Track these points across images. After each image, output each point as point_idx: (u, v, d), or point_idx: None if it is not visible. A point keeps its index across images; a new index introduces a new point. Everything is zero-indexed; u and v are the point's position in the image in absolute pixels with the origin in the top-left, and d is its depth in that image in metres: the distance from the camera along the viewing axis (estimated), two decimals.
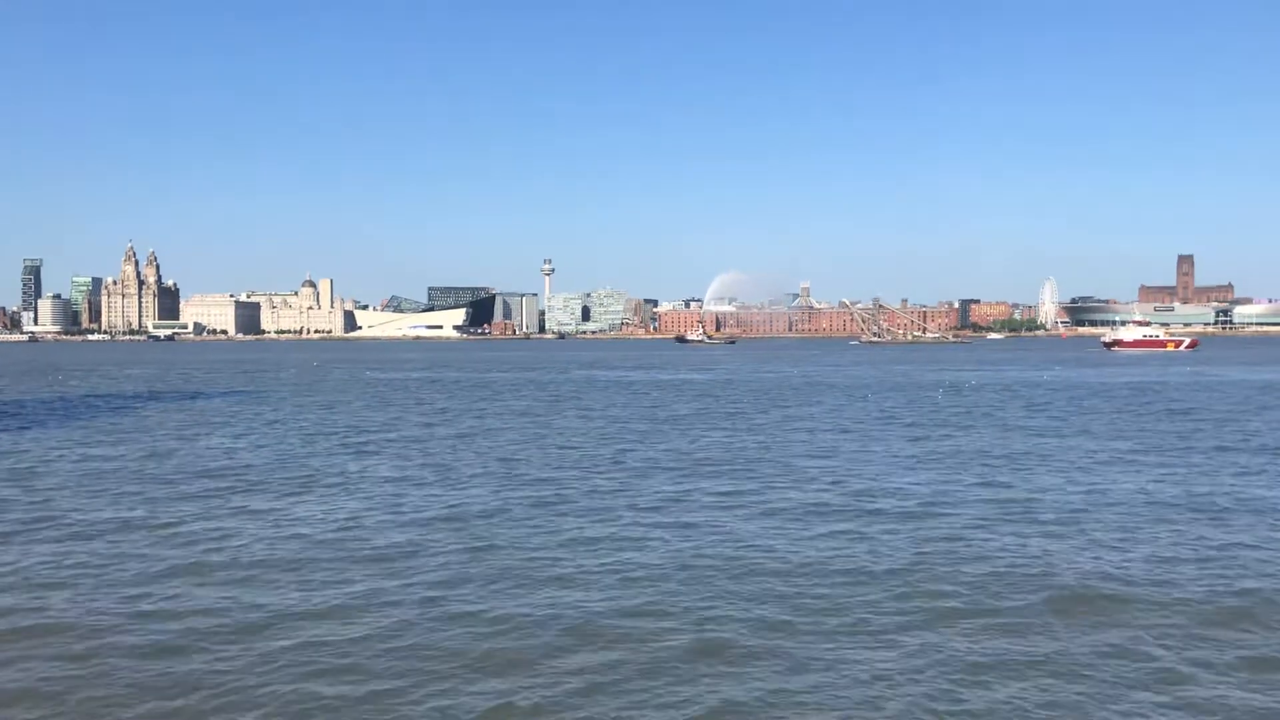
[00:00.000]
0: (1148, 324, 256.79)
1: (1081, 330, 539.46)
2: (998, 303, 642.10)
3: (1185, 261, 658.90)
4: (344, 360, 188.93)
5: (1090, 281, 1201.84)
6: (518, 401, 73.76)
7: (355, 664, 15.77)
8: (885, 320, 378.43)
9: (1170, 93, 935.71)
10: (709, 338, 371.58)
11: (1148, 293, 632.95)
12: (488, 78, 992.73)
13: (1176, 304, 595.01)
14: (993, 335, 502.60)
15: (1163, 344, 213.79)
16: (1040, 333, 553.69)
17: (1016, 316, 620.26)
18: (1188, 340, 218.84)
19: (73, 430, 52.71)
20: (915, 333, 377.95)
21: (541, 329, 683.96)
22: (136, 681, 15.09)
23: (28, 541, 24.39)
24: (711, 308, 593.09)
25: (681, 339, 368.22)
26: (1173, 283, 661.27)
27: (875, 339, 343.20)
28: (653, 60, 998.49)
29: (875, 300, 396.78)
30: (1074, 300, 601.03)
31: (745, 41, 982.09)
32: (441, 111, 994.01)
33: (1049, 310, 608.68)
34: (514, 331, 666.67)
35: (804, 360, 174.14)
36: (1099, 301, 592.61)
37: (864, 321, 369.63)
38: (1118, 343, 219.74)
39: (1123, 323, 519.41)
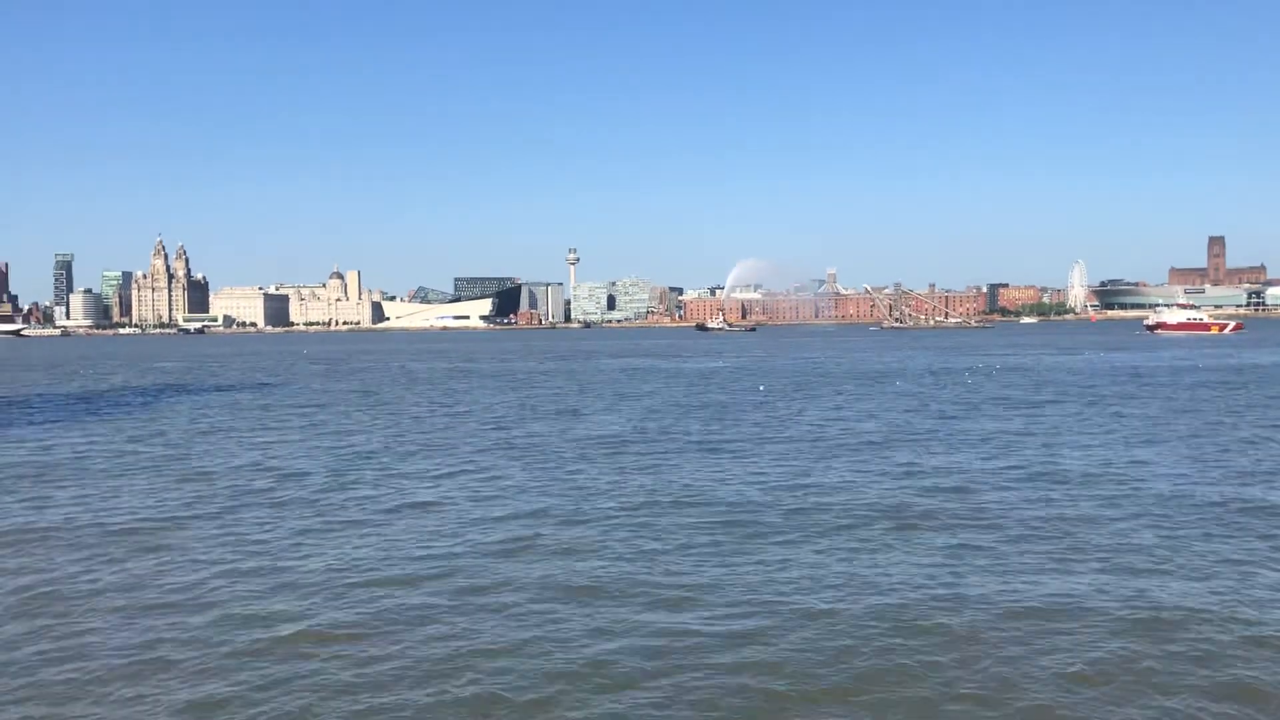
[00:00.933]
0: (1192, 306, 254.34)
1: (1111, 313, 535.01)
2: (1026, 287, 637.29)
3: (1216, 243, 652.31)
4: (376, 350, 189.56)
5: (1120, 264, 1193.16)
6: (553, 390, 73.92)
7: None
8: (908, 305, 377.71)
9: (1200, 72, 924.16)
10: (729, 325, 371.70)
11: (1178, 275, 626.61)
12: (513, 69, 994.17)
13: (1208, 286, 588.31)
14: (1025, 320, 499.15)
15: (1206, 327, 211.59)
16: (1069, 316, 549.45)
17: (1045, 300, 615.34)
18: (1232, 324, 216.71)
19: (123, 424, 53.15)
20: (937, 318, 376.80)
21: (567, 318, 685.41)
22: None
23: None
24: (738, 295, 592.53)
25: (702, 327, 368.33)
26: (1204, 265, 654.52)
27: (897, 324, 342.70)
28: (677, 50, 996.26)
29: (897, 285, 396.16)
30: (1103, 283, 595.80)
31: (769, 30, 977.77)
32: (468, 103, 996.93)
33: (1078, 294, 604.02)
34: (540, 321, 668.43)
35: (818, 346, 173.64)
36: (1129, 284, 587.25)
37: (886, 307, 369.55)
38: (1161, 325, 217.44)
39: (1154, 305, 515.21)
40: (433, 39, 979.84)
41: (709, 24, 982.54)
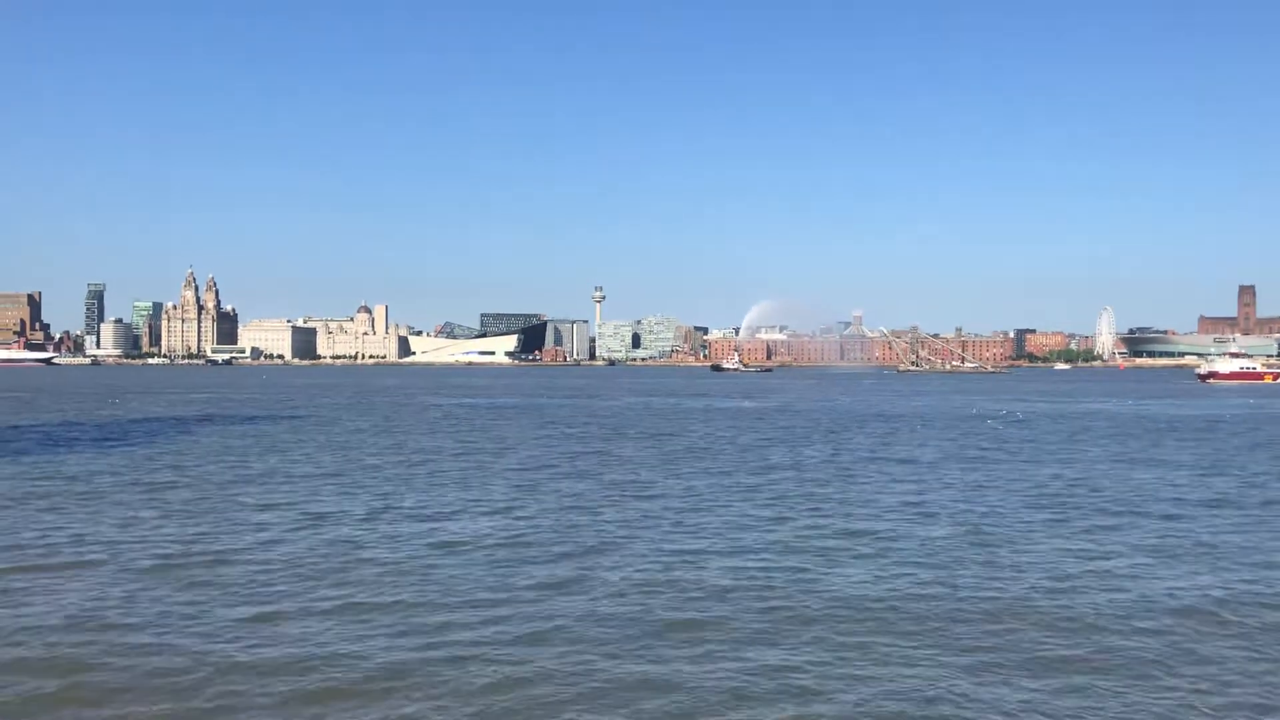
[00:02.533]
0: (1245, 355, 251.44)
1: (1140, 361, 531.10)
2: (1054, 333, 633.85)
3: (1246, 292, 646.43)
4: (409, 386, 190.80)
5: (1148, 312, 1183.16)
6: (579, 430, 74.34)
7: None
8: (924, 349, 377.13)
9: (1231, 119, 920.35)
10: (744, 366, 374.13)
11: (1208, 323, 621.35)
12: (541, 106, 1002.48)
13: (1237, 335, 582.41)
14: (1060, 366, 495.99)
15: (1260, 376, 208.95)
16: (1097, 363, 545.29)
17: (1073, 347, 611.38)
18: None
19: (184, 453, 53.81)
20: (954, 362, 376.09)
21: (592, 356, 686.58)
22: None
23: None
24: (763, 335, 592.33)
25: (717, 367, 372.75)
26: (1233, 313, 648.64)
27: (914, 368, 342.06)
28: (707, 91, 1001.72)
29: (913, 329, 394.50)
30: (1132, 330, 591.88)
31: (798, 71, 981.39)
32: (494, 141, 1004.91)
33: (1106, 340, 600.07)
34: (564, 358, 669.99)
35: (829, 389, 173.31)
36: (1157, 332, 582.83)
37: (903, 351, 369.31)
38: (1213, 375, 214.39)
39: (1182, 354, 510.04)
40: (463, 77, 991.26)
41: (738, 66, 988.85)
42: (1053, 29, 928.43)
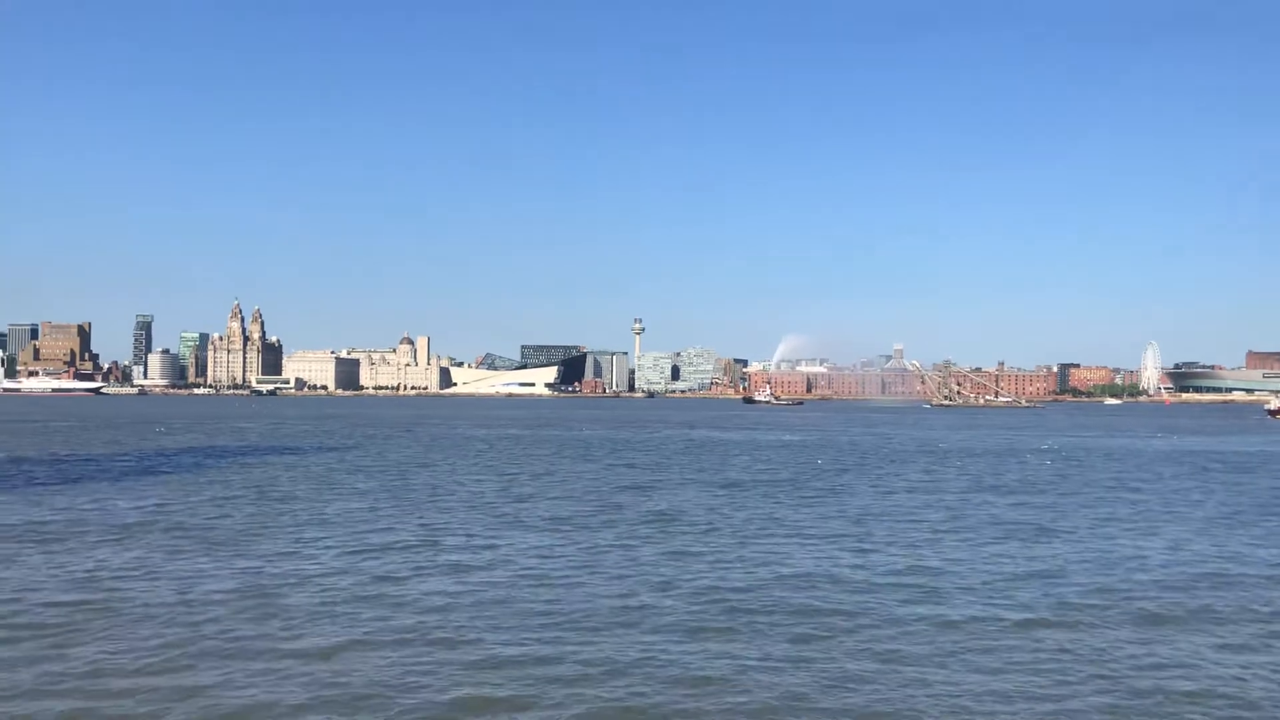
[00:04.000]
0: None
1: (1186, 396, 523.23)
2: (1098, 367, 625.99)
3: None
4: (446, 416, 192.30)
5: (1193, 346, 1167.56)
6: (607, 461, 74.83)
7: None
8: (957, 383, 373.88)
9: (1277, 146, 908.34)
10: (776, 399, 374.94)
11: (1256, 358, 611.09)
12: (582, 139, 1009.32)
13: None
14: (1110, 401, 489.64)
15: None
16: (1142, 398, 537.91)
17: (1118, 381, 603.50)
18: None
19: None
20: (988, 396, 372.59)
21: (631, 387, 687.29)
22: None
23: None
24: (803, 369, 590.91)
25: (749, 400, 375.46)
26: None
27: (947, 402, 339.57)
28: (751, 122, 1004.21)
29: (946, 362, 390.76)
30: (1177, 365, 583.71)
31: (841, 100, 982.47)
32: (534, 173, 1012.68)
33: (1151, 375, 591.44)
34: (604, 390, 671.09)
35: (870, 422, 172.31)
36: (1204, 367, 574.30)
37: (935, 385, 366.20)
38: None
39: (1229, 389, 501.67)
40: (503, 108, 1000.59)
41: (776, 94, 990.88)
42: (1101, 59, 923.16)
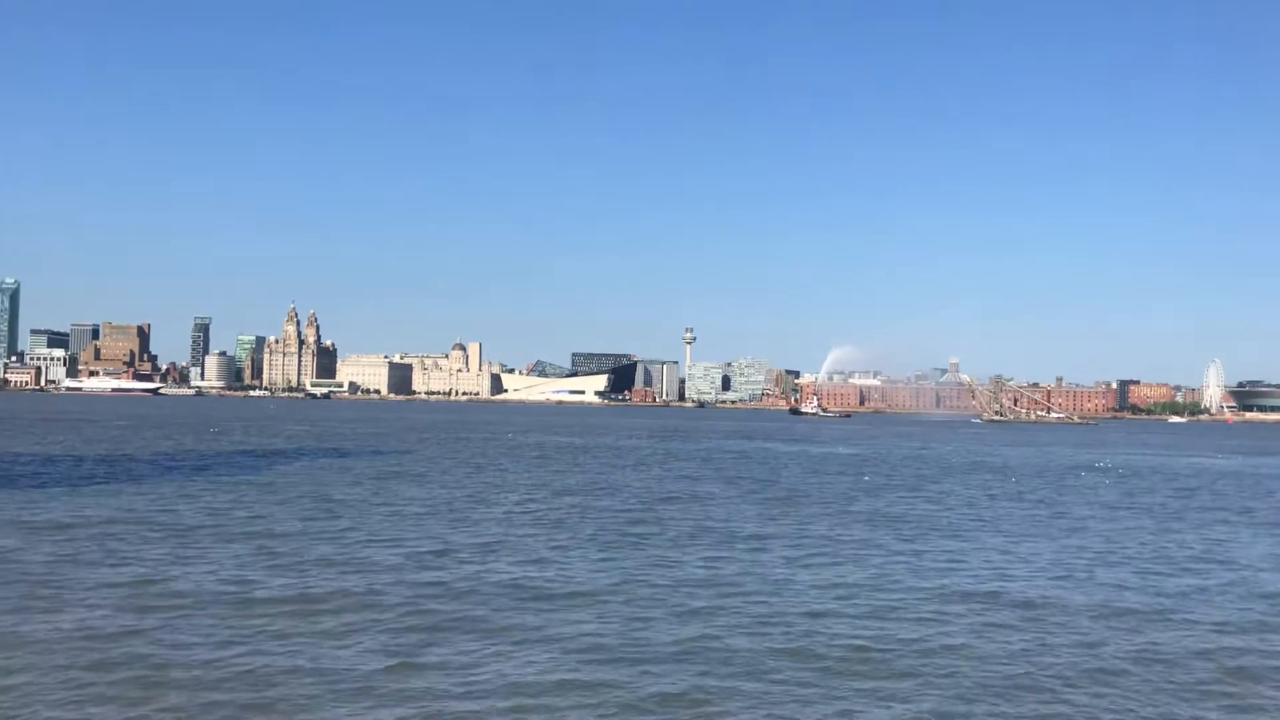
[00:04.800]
0: None
1: (1249, 416, 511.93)
2: (1158, 384, 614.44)
3: None
4: (507, 423, 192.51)
5: (1256, 364, 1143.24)
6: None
7: None
8: (1008, 397, 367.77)
9: None
10: (823, 410, 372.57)
11: None
12: (635, 152, 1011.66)
13: None
14: (1174, 419, 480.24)
15: None
16: (1204, 417, 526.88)
17: (1179, 399, 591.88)
18: None
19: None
20: (1039, 412, 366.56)
21: (681, 397, 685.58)
22: None
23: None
24: (856, 381, 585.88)
25: (796, 411, 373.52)
26: None
27: (998, 417, 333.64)
28: (801, 133, 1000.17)
29: (997, 377, 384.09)
30: (1241, 384, 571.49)
31: (895, 111, 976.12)
32: (588, 184, 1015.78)
33: (1214, 394, 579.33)
34: (654, 399, 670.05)
35: (918, 435, 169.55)
36: (1270, 386, 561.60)
37: (986, 399, 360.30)
38: None
39: None
40: (556, 121, 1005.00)
41: (828, 106, 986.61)
42: (1164, 82, 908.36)
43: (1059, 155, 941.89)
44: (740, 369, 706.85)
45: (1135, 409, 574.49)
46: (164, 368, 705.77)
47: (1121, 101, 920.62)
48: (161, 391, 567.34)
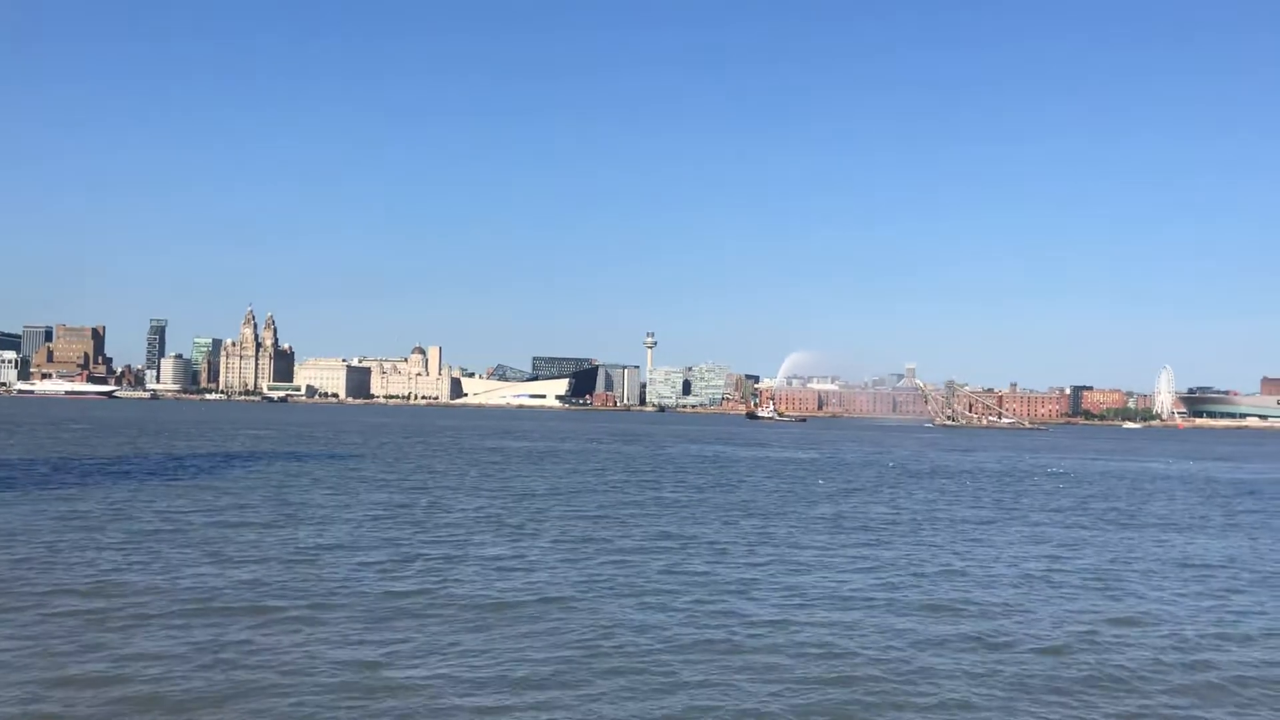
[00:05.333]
0: None
1: (1199, 421, 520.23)
2: (1111, 390, 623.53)
3: None
4: (466, 428, 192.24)
5: (1207, 371, 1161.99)
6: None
7: None
8: (960, 402, 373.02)
9: None
10: (780, 415, 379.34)
11: (1271, 384, 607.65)
12: (595, 153, 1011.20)
13: None
14: (1129, 425, 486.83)
15: None
16: (1155, 423, 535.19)
17: (1131, 405, 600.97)
18: None
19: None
20: (991, 417, 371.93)
21: (642, 401, 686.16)
22: None
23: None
24: (814, 386, 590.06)
25: (753, 415, 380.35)
26: None
27: (950, 422, 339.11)
28: (760, 140, 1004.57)
29: (949, 383, 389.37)
30: (1191, 390, 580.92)
31: (851, 119, 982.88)
32: (550, 185, 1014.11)
33: (1165, 400, 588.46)
34: (615, 403, 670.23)
35: (851, 440, 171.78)
36: (1218, 393, 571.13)
37: (938, 404, 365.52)
38: None
39: (1243, 415, 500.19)
40: (514, 119, 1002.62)
41: (787, 109, 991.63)
42: (1116, 81, 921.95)
43: (1014, 160, 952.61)
44: (701, 374, 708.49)
45: (1088, 414, 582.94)
46: (119, 370, 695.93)
47: (1078, 103, 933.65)
48: (117, 394, 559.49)
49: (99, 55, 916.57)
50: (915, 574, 32.89)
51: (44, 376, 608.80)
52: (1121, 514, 55.50)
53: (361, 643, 22.08)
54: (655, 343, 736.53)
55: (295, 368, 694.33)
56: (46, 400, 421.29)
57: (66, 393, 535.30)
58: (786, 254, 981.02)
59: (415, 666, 20.47)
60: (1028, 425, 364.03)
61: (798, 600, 28.02)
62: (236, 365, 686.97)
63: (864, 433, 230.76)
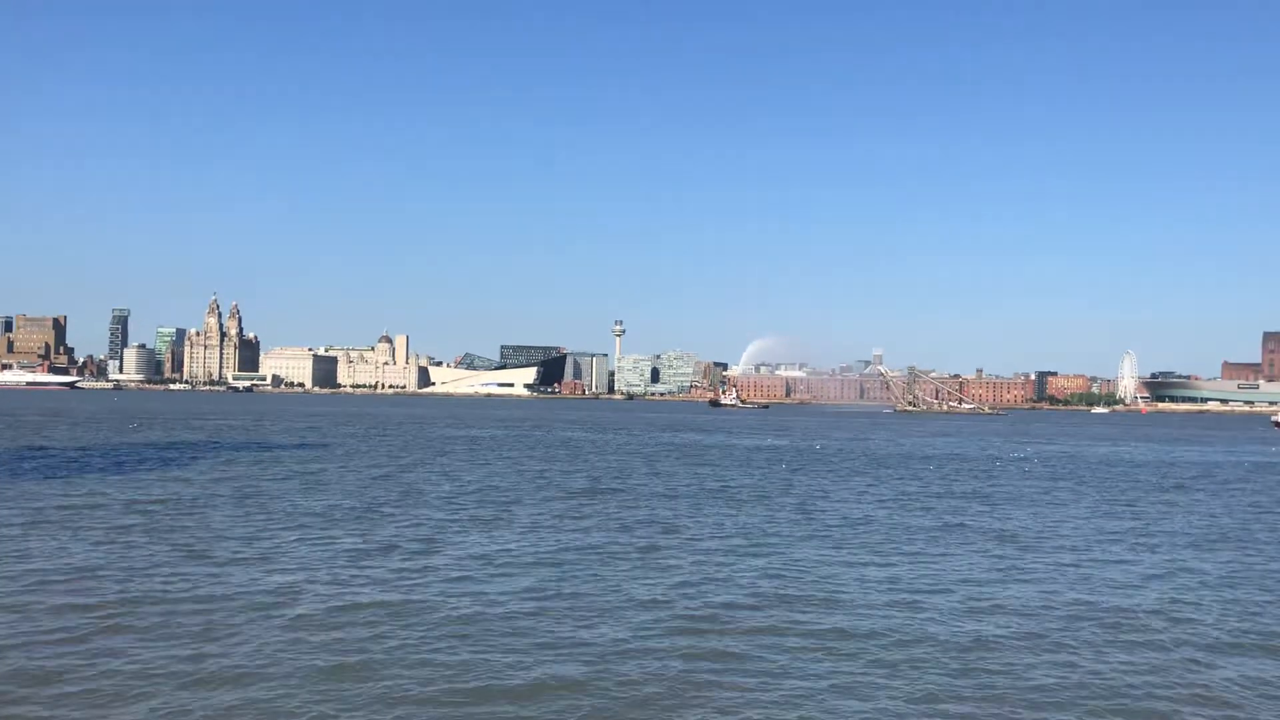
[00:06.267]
0: None
1: (1161, 406, 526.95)
2: (1075, 375, 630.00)
3: (1272, 339, 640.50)
4: (435, 418, 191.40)
5: (1169, 356, 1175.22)
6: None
7: None
8: (920, 388, 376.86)
9: (1254, 159, 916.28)
10: (742, 402, 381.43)
11: (1231, 369, 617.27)
12: (564, 143, 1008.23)
13: (1262, 381, 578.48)
14: (1098, 410, 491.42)
15: None
16: (1119, 408, 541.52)
17: (1094, 390, 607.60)
18: None
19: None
20: (951, 403, 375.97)
21: (611, 389, 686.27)
22: None
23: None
24: (782, 373, 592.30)
25: (715, 403, 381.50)
26: (1257, 359, 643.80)
27: (911, 408, 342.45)
28: (732, 123, 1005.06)
29: (911, 369, 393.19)
30: (1154, 375, 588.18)
31: (826, 107, 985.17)
32: (518, 173, 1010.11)
33: (1129, 385, 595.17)
34: (583, 391, 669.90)
35: (804, 428, 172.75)
36: (1180, 378, 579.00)
37: (900, 390, 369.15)
38: None
39: (1204, 399, 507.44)
40: (482, 105, 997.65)
41: (756, 97, 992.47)
42: (1080, 70, 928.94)
43: (980, 152, 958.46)
44: (669, 361, 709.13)
45: (1053, 400, 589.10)
46: (81, 360, 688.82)
47: (1045, 97, 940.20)
48: (79, 385, 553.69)
49: (53, 41, 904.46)
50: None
51: (4, 368, 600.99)
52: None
53: (330, 638, 21.98)
54: (624, 331, 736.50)
55: (261, 357, 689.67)
56: (7, 391, 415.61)
57: (28, 384, 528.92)
58: (755, 242, 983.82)
59: (384, 660, 20.38)
60: (987, 411, 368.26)
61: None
62: (201, 355, 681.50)
63: (816, 419, 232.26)
